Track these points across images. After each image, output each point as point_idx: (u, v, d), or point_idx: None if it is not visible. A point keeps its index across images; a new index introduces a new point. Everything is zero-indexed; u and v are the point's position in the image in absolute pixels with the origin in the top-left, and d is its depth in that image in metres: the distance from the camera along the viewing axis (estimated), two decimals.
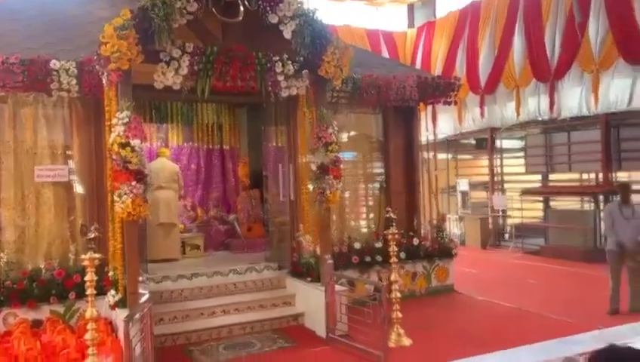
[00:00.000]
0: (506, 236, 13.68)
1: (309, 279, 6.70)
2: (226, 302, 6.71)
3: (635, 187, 10.91)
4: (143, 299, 5.17)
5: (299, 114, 6.97)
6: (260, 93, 6.02)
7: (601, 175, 11.27)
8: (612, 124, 10.96)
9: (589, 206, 11.80)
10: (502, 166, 14.08)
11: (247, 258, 7.73)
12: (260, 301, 6.83)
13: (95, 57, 5.55)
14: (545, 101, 11.62)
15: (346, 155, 8.14)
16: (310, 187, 6.68)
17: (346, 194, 8.36)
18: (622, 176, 11.23)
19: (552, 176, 12.88)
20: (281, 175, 7.59)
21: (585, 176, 12.27)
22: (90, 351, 4.45)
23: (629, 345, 1.46)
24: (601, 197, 11.09)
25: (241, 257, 7.88)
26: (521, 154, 13.85)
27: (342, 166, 6.53)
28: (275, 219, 8.03)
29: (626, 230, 6.81)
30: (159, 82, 5.64)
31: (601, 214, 10.02)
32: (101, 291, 5.32)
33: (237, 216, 9.42)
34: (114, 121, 5.23)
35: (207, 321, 6.37)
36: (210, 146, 9.93)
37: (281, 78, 6.03)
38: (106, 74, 5.42)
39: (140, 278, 5.54)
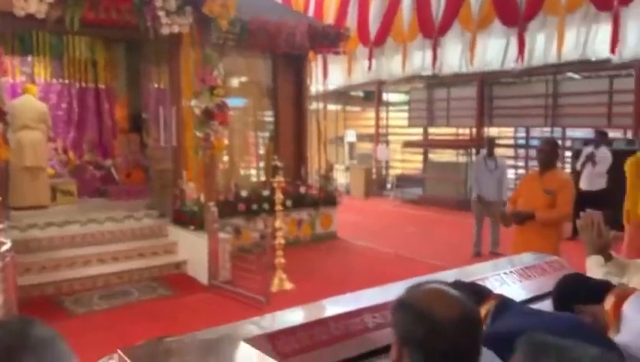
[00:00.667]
0: (388, 186, 14.37)
1: (193, 227, 6.58)
2: (102, 250, 6.40)
3: (503, 141, 12.00)
4: (4, 248, 4.75)
5: (182, 54, 6.60)
6: (139, 28, 5.59)
7: (474, 130, 12.14)
8: (487, 82, 11.74)
9: (463, 158, 12.69)
10: (387, 119, 14.61)
11: (126, 205, 7.36)
12: (139, 249, 6.60)
13: None
14: (429, 57, 12.10)
15: (235, 101, 7.92)
16: (195, 132, 6.44)
17: (235, 142, 8.19)
18: (493, 131, 12.16)
19: (431, 130, 13.60)
20: (163, 119, 7.22)
21: (461, 130, 13.11)
22: None
23: (475, 281, 1.58)
24: (473, 151, 11.97)
25: (119, 204, 7.48)
26: (405, 108, 14.43)
27: (230, 112, 6.35)
28: (156, 166, 7.68)
29: (488, 182, 7.44)
30: (20, 9, 5.02)
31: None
32: None
33: (114, 161, 8.88)
34: None
35: (81, 271, 6.05)
36: (84, 84, 9.10)
37: (161, 13, 5.63)
38: None
39: (1, 226, 5.06)
